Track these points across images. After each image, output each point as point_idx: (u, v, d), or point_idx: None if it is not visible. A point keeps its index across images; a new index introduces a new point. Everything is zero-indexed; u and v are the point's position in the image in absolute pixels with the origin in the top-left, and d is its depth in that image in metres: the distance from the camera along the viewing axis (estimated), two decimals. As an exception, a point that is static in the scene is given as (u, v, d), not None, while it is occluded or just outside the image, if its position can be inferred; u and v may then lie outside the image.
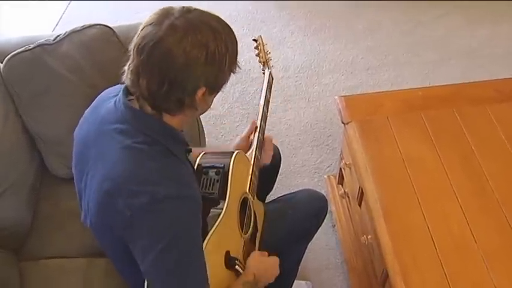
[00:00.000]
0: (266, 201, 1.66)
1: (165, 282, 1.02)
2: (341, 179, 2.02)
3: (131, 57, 1.05)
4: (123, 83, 1.11)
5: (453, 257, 1.36)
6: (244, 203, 1.34)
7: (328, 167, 2.35)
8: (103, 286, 1.50)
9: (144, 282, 1.05)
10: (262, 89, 1.57)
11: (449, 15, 3.13)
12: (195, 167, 1.28)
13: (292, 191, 1.68)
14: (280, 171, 1.81)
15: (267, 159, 1.52)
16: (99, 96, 1.25)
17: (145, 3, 2.94)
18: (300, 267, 1.69)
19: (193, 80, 1.04)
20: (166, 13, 1.03)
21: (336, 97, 1.85)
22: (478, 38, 2.97)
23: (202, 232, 1.10)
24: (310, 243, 1.65)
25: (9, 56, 1.63)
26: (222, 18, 1.09)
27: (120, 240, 1.08)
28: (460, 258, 1.36)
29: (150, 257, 1.01)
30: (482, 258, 1.35)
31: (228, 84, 1.14)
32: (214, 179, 1.25)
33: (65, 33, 1.73)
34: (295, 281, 1.71)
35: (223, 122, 2.57)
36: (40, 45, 1.67)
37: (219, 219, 1.18)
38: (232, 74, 1.11)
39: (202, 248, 1.08)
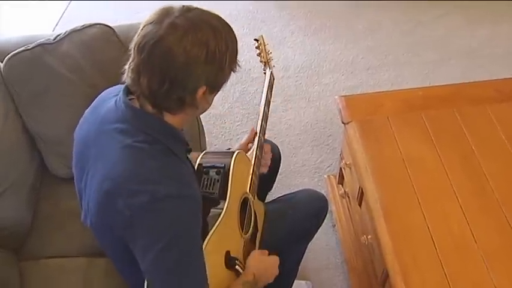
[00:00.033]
0: (266, 201, 1.66)
1: (164, 282, 1.02)
2: (341, 179, 2.02)
3: (132, 56, 1.05)
4: (123, 82, 1.11)
5: (453, 257, 1.36)
6: (244, 203, 1.34)
7: (329, 166, 2.35)
8: (103, 286, 1.50)
9: (144, 282, 1.05)
10: (263, 88, 1.57)
11: (449, 15, 3.13)
12: (196, 167, 1.28)
13: (292, 191, 1.68)
14: (280, 170, 1.81)
15: (263, 168, 1.51)
16: (99, 96, 1.25)
17: (145, 3, 2.94)
18: (300, 267, 1.69)
19: (194, 79, 1.04)
20: (166, 12, 1.03)
21: (336, 97, 1.85)
22: (478, 38, 2.97)
23: (203, 232, 1.10)
24: (310, 243, 1.65)
25: (9, 56, 1.63)
26: (222, 17, 1.09)
27: (120, 240, 1.08)
28: (460, 258, 1.36)
29: (149, 256, 1.01)
30: (482, 258, 1.35)
31: (228, 84, 1.14)
32: (214, 179, 1.25)
33: (65, 33, 1.73)
34: (295, 281, 1.71)
35: (224, 121, 2.57)
36: (40, 45, 1.67)
37: (219, 219, 1.18)
38: (232, 72, 1.11)
39: (202, 247, 1.08)
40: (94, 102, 1.24)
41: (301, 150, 2.42)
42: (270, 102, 1.56)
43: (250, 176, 1.39)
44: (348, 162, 1.80)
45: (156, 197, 1.01)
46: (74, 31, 1.73)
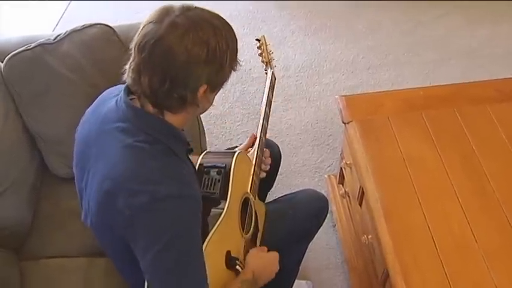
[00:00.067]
0: (266, 201, 1.66)
1: (163, 281, 1.02)
2: (341, 179, 2.02)
3: (132, 56, 1.05)
4: (124, 82, 1.11)
5: (454, 257, 1.36)
6: (245, 203, 1.34)
7: (329, 166, 2.35)
8: (103, 285, 1.50)
9: (144, 282, 1.05)
10: (264, 88, 1.57)
11: (450, 15, 3.13)
12: (197, 167, 1.28)
13: (293, 191, 1.68)
14: (280, 170, 1.81)
15: (262, 174, 1.50)
16: (100, 95, 1.25)
17: (146, 3, 2.93)
18: (300, 267, 1.69)
19: (194, 78, 1.04)
20: (166, 11, 1.03)
21: (337, 97, 1.85)
22: (478, 38, 2.97)
23: (203, 232, 1.10)
24: (310, 243, 1.65)
25: (9, 56, 1.63)
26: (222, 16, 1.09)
27: (120, 240, 1.08)
28: (460, 258, 1.36)
29: (149, 256, 1.01)
30: (483, 258, 1.35)
31: (229, 83, 1.14)
32: (215, 179, 1.25)
33: (65, 33, 1.72)
34: (296, 281, 1.71)
35: (224, 121, 2.57)
36: (40, 45, 1.67)
37: (220, 219, 1.18)
38: (233, 71, 1.11)
39: (202, 248, 1.08)
40: (95, 102, 1.24)
41: (301, 150, 2.42)
42: (271, 102, 1.56)
43: (251, 176, 1.39)
44: (348, 162, 1.80)
45: (156, 197, 1.01)
46: (74, 31, 1.73)
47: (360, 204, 1.75)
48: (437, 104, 1.79)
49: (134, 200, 1.01)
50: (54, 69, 1.66)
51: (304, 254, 1.67)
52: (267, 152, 1.51)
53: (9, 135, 1.62)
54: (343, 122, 1.77)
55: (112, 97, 1.17)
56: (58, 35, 1.72)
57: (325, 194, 1.68)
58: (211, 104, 1.16)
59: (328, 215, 1.64)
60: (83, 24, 1.75)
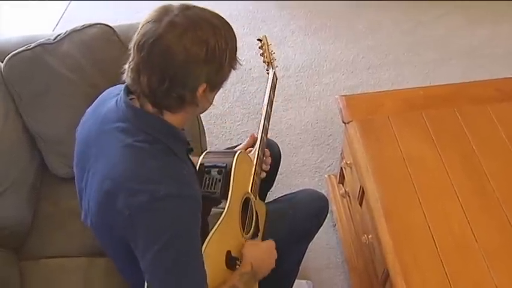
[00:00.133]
0: (266, 201, 1.66)
1: (163, 281, 1.02)
2: (342, 179, 2.02)
3: (131, 55, 1.05)
4: (123, 82, 1.11)
5: (454, 256, 1.36)
6: (246, 202, 1.34)
7: (329, 166, 2.35)
8: (103, 285, 1.50)
9: (144, 282, 1.05)
10: (266, 88, 1.57)
11: (450, 15, 3.13)
12: (198, 167, 1.28)
13: (293, 191, 1.68)
14: (280, 170, 1.81)
15: (262, 174, 1.50)
16: (100, 95, 1.25)
17: (146, 2, 2.92)
18: (300, 267, 1.69)
19: (193, 77, 1.04)
20: (165, 10, 1.03)
21: (337, 96, 1.85)
22: (479, 38, 2.97)
23: (203, 231, 1.10)
24: (310, 243, 1.65)
25: (9, 56, 1.63)
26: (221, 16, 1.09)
27: (120, 240, 1.08)
28: (460, 258, 1.36)
29: (149, 256, 1.01)
30: (483, 257, 1.35)
31: (229, 83, 1.14)
32: (216, 179, 1.25)
33: (65, 33, 1.72)
34: (296, 280, 1.70)
35: (224, 121, 2.57)
36: (40, 45, 1.67)
37: (220, 219, 1.18)
38: (232, 70, 1.11)
39: (201, 248, 1.08)
40: (95, 102, 1.24)
41: (301, 149, 2.42)
42: (272, 102, 1.56)
43: (252, 176, 1.39)
44: (348, 162, 1.80)
45: (155, 196, 1.01)
46: (74, 31, 1.73)
47: (360, 204, 1.75)
48: (437, 104, 1.79)
49: (134, 199, 1.01)
50: (54, 69, 1.66)
51: (304, 253, 1.66)
52: (267, 151, 1.51)
53: (9, 135, 1.62)
54: (343, 122, 1.77)
55: (112, 97, 1.17)
56: (58, 35, 1.72)
57: (325, 194, 1.68)
58: (211, 103, 1.15)
59: (328, 215, 1.64)
60: (83, 24, 1.75)
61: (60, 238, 1.62)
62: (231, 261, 1.21)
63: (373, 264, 1.70)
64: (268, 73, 1.64)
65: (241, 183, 1.33)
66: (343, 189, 2.01)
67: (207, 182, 1.25)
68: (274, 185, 1.84)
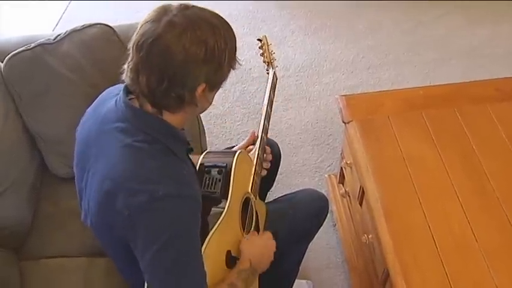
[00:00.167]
0: (266, 201, 1.66)
1: (163, 281, 1.02)
2: (342, 178, 2.02)
3: (130, 55, 1.05)
4: (123, 82, 1.11)
5: (454, 256, 1.36)
6: (246, 202, 1.34)
7: (329, 166, 2.35)
8: (103, 285, 1.50)
9: (144, 282, 1.05)
10: (266, 88, 1.57)
11: (450, 15, 3.13)
12: (198, 166, 1.28)
13: (293, 191, 1.68)
14: (280, 170, 1.81)
15: (263, 171, 1.49)
16: (100, 95, 1.25)
17: (146, 2, 2.92)
18: (300, 267, 1.69)
19: (193, 77, 1.04)
20: (164, 10, 1.03)
21: (337, 96, 1.85)
22: (479, 38, 2.97)
23: (203, 231, 1.10)
24: (311, 243, 1.65)
25: (9, 56, 1.63)
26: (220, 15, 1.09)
27: (120, 240, 1.08)
28: (460, 257, 1.36)
29: (148, 256, 1.01)
30: (483, 257, 1.35)
31: (229, 83, 1.14)
32: (216, 178, 1.25)
33: (65, 33, 1.72)
34: (296, 280, 1.70)
35: (224, 121, 2.57)
36: (40, 45, 1.67)
37: (220, 218, 1.18)
38: (232, 70, 1.11)
39: (201, 247, 1.08)
40: (95, 102, 1.24)
41: (301, 149, 2.42)
42: (272, 102, 1.56)
43: (252, 176, 1.39)
44: (348, 162, 1.80)
45: (155, 196, 1.01)
46: (74, 31, 1.73)
47: (360, 204, 1.75)
48: (437, 104, 1.79)
49: (133, 199, 1.01)
50: (54, 69, 1.66)
51: (304, 253, 1.66)
52: (267, 148, 1.51)
53: (9, 135, 1.62)
54: (343, 122, 1.77)
55: (112, 97, 1.17)
56: (58, 35, 1.72)
57: (325, 194, 1.68)
58: (211, 103, 1.15)
59: (328, 215, 1.64)
60: (83, 24, 1.75)
61: (60, 238, 1.62)
62: (231, 261, 1.21)
63: (373, 264, 1.70)
64: (268, 73, 1.63)
65: (241, 183, 1.33)
66: (343, 189, 2.01)
67: (207, 181, 1.25)
68: (274, 185, 1.84)
